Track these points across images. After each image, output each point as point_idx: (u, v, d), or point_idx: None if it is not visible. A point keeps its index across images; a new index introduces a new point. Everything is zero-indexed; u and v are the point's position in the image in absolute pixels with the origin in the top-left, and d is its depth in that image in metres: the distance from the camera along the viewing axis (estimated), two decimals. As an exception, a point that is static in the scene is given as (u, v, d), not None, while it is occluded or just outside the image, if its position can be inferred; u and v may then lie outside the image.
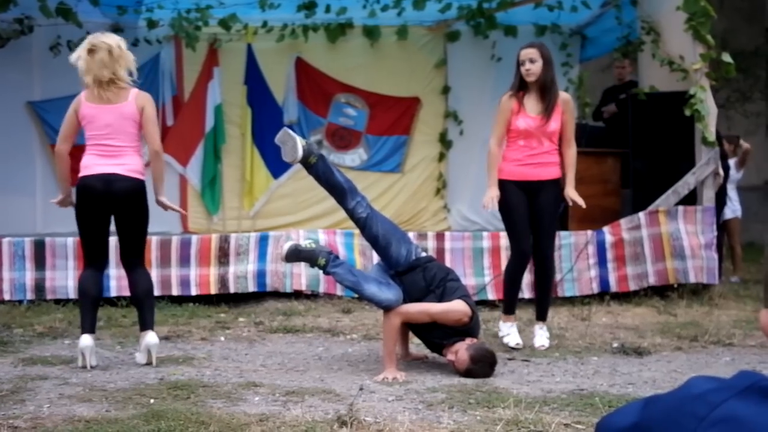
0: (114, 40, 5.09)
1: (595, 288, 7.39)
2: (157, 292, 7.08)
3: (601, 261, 7.41)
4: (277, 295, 7.35)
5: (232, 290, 7.29)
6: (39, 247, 7.21)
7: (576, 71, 10.41)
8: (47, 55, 9.24)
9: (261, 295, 7.35)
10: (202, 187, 9.95)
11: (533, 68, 5.43)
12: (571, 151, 5.60)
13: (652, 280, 7.45)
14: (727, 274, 9.11)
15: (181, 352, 5.43)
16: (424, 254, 5.18)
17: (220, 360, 5.22)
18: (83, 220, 5.06)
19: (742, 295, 7.83)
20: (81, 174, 5.03)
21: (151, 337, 4.99)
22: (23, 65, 9.45)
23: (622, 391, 4.40)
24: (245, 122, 10.03)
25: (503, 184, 5.61)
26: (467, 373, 4.73)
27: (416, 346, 5.49)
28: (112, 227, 5.15)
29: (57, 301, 7.08)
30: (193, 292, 7.27)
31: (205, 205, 9.97)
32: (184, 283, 7.27)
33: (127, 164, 5.01)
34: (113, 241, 5.45)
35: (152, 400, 4.11)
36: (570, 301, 7.29)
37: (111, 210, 5.04)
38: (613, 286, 7.41)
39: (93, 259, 5.12)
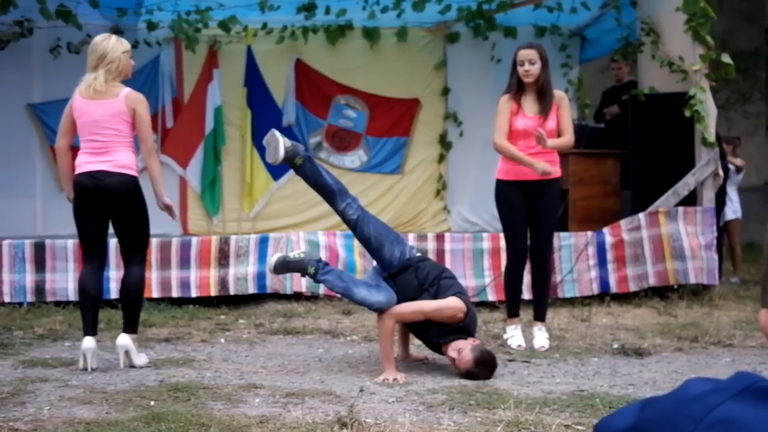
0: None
1: (596, 289, 7.39)
2: (157, 294, 7.12)
3: (601, 262, 7.41)
4: (277, 296, 7.35)
5: (232, 292, 7.29)
6: (39, 250, 7.21)
7: (576, 72, 10.41)
8: (47, 57, 9.24)
9: (261, 297, 7.35)
10: (202, 188, 9.95)
11: (532, 69, 5.44)
12: (568, 136, 5.57)
13: (652, 281, 7.45)
14: (727, 275, 9.12)
15: (181, 354, 5.43)
16: (418, 254, 5.18)
17: (220, 362, 5.22)
18: (78, 218, 5.06)
19: (742, 295, 7.83)
20: (75, 172, 5.04)
21: (119, 339, 4.95)
22: (23, 67, 9.45)
23: (623, 392, 4.40)
24: (245, 124, 10.03)
25: (502, 185, 5.62)
26: (467, 374, 4.72)
27: (417, 347, 5.49)
28: (111, 229, 5.15)
29: (57, 303, 7.08)
30: (193, 293, 7.26)
31: (205, 207, 9.97)
32: (184, 284, 7.27)
33: (116, 160, 4.97)
34: (113, 241, 5.43)
35: (152, 402, 4.11)
36: (570, 302, 7.29)
37: (104, 207, 5.00)
38: (614, 287, 7.41)
39: (91, 258, 5.10)
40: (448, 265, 6.99)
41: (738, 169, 9.58)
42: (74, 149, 5.23)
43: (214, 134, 9.93)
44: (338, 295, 7.16)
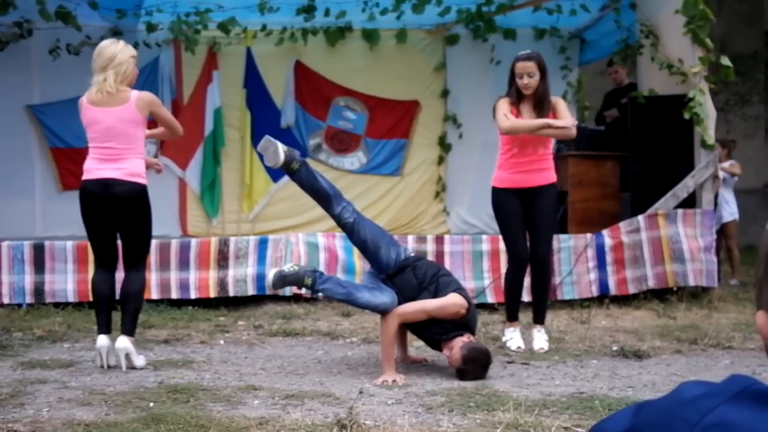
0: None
1: (595, 291, 7.39)
2: (156, 296, 7.12)
3: (601, 264, 7.41)
4: (277, 298, 7.34)
5: (231, 293, 7.28)
6: (38, 251, 7.20)
7: (575, 74, 10.41)
8: (46, 58, 9.24)
9: (260, 299, 7.35)
10: (201, 190, 9.95)
11: (531, 82, 5.42)
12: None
13: (651, 283, 7.45)
14: (725, 277, 9.12)
15: (180, 356, 5.42)
16: (412, 254, 5.20)
17: (219, 363, 5.22)
18: (88, 224, 5.11)
19: (741, 298, 7.83)
20: (83, 177, 5.06)
21: (119, 342, 4.98)
22: (22, 68, 9.45)
23: (622, 395, 4.40)
24: (244, 125, 10.03)
25: (498, 192, 5.63)
26: (459, 373, 4.74)
27: (415, 349, 5.50)
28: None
29: (56, 305, 7.07)
30: (193, 295, 7.26)
31: (204, 209, 9.97)
32: (184, 286, 7.27)
33: (127, 168, 5.01)
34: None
35: (152, 404, 4.11)
36: (569, 304, 7.29)
37: (112, 213, 5.05)
38: (613, 289, 7.41)
39: (102, 260, 5.18)
40: (447, 267, 6.99)
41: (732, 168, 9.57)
42: (77, 152, 5.25)
43: (214, 136, 9.93)
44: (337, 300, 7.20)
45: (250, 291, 7.30)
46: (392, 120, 10.27)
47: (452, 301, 4.84)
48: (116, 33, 9.53)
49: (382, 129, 10.25)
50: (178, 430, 3.59)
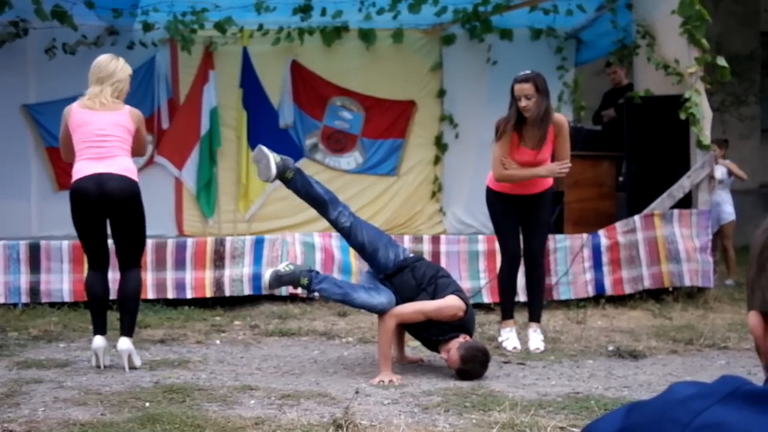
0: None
1: (591, 291, 7.40)
2: (152, 295, 7.11)
3: (597, 264, 7.42)
4: (273, 298, 7.34)
5: (227, 293, 7.28)
6: (34, 251, 7.19)
7: (571, 75, 10.42)
8: (42, 57, 9.23)
9: (256, 299, 7.34)
10: (197, 190, 9.94)
11: (529, 105, 5.38)
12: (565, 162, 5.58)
13: (647, 284, 7.46)
14: (722, 278, 9.14)
15: (176, 356, 5.42)
16: (411, 255, 5.20)
17: (215, 363, 5.21)
18: (80, 224, 5.07)
19: (736, 298, 7.84)
20: (73, 179, 5.04)
21: (121, 343, 4.98)
22: (18, 68, 9.44)
23: (618, 395, 4.41)
24: (241, 125, 10.02)
25: (492, 193, 5.65)
26: (459, 373, 4.75)
27: (412, 349, 5.50)
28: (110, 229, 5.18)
29: (52, 305, 7.06)
30: (189, 295, 7.25)
31: (200, 208, 9.96)
32: (180, 286, 7.26)
33: (118, 164, 5.02)
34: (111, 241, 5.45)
35: (147, 404, 4.11)
36: (565, 304, 7.30)
37: (105, 211, 5.02)
38: (609, 290, 7.42)
39: (95, 261, 5.17)
40: (443, 267, 6.99)
41: (730, 172, 9.60)
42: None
43: (210, 135, 9.92)
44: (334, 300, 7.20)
45: (247, 291, 7.29)
46: (388, 120, 10.27)
47: (450, 303, 4.85)
48: (112, 32, 9.54)
49: (379, 129, 10.25)
50: (174, 430, 3.59)
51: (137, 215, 5.11)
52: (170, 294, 7.23)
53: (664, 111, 7.77)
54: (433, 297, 4.89)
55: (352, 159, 10.27)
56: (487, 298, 7.26)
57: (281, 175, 4.97)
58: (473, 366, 4.75)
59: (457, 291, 4.96)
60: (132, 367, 4.97)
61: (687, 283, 7.47)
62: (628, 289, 7.44)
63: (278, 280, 4.92)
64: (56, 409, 4.00)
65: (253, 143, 9.91)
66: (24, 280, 7.14)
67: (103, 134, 5.00)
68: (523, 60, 8.27)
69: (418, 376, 4.90)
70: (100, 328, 5.03)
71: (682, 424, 0.95)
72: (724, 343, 5.85)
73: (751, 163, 13.97)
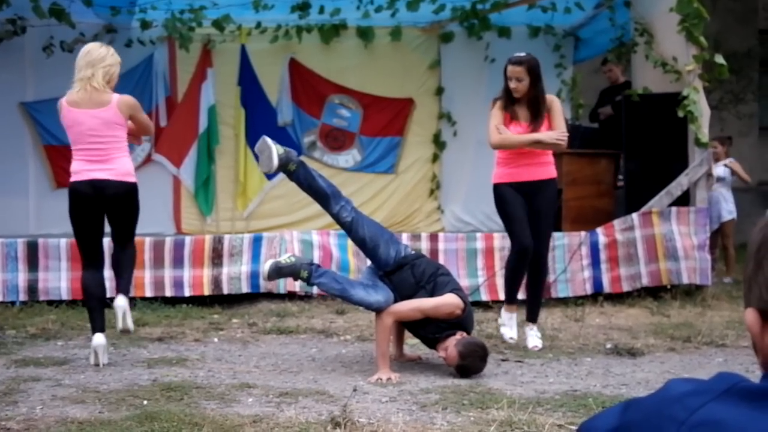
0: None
1: (589, 289, 7.40)
2: (150, 293, 7.12)
3: (595, 262, 7.42)
4: (271, 296, 7.34)
5: (225, 291, 7.28)
6: (32, 248, 7.19)
7: (569, 72, 10.42)
8: (40, 55, 9.21)
9: (254, 297, 7.34)
10: (195, 188, 9.93)
11: (519, 86, 5.43)
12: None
13: (645, 281, 7.47)
14: (720, 275, 9.15)
15: (174, 354, 5.42)
16: (413, 252, 5.19)
17: (213, 361, 5.21)
18: (77, 225, 5.11)
19: (735, 296, 7.85)
20: (71, 179, 5.05)
21: (119, 300, 4.99)
22: (16, 66, 9.42)
23: (616, 392, 4.41)
24: (239, 123, 10.01)
25: (498, 187, 5.61)
26: (459, 369, 4.74)
27: (410, 347, 5.50)
28: (106, 228, 5.19)
29: (50, 303, 7.06)
30: (187, 293, 7.25)
31: (198, 206, 9.96)
32: (178, 284, 7.26)
33: (116, 168, 5.03)
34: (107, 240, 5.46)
35: (145, 402, 4.11)
36: (563, 301, 7.30)
37: (103, 212, 5.10)
38: (607, 287, 7.42)
39: (91, 260, 5.19)
40: (442, 264, 6.99)
41: (732, 171, 9.62)
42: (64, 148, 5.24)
43: (208, 133, 9.91)
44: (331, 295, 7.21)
45: (245, 289, 7.29)
46: (387, 118, 10.26)
47: (447, 301, 4.84)
48: (110, 30, 9.53)
49: (377, 127, 10.24)
50: (171, 428, 3.59)
51: (134, 211, 5.20)
52: (168, 292, 7.22)
53: (662, 109, 7.77)
54: (432, 295, 4.89)
55: (350, 157, 10.26)
56: (485, 296, 7.26)
57: (284, 167, 4.97)
58: (472, 361, 4.75)
59: (456, 289, 4.95)
60: (125, 330, 4.99)
61: (685, 280, 7.48)
62: (626, 287, 7.45)
63: (278, 271, 4.92)
64: (54, 407, 4.00)
65: (251, 141, 9.92)
66: (22, 278, 7.13)
67: (97, 135, 5.00)
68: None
69: (416, 373, 4.90)
70: (99, 326, 5.04)
71: (678, 421, 0.95)
72: (721, 341, 5.86)
73: (749, 160, 13.97)
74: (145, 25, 9.34)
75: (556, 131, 5.47)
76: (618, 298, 7.42)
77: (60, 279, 7.12)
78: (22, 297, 7.11)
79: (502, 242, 7.24)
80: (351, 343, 5.92)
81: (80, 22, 8.91)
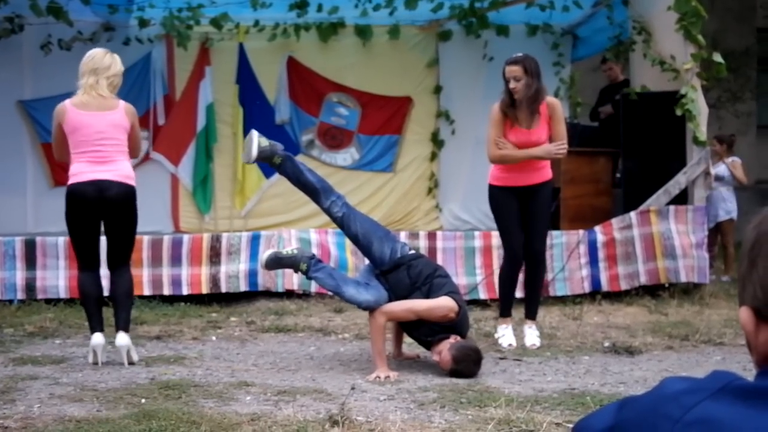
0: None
1: (587, 287, 7.40)
2: (148, 292, 7.11)
3: (593, 260, 7.43)
4: (269, 294, 7.34)
5: (223, 290, 7.28)
6: (30, 247, 7.18)
7: (567, 71, 10.42)
8: (38, 53, 9.21)
9: (253, 295, 7.34)
10: (193, 186, 9.93)
11: (518, 86, 5.44)
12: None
13: (643, 280, 7.47)
14: (718, 274, 9.15)
15: (172, 352, 5.42)
16: (411, 252, 5.17)
17: (211, 359, 5.21)
18: (75, 226, 5.09)
19: (733, 294, 7.84)
20: (71, 181, 5.04)
21: (120, 339, 4.98)
22: (14, 64, 9.41)
23: (614, 391, 4.41)
24: (237, 121, 10.01)
25: (493, 189, 5.65)
26: (453, 374, 4.73)
27: (408, 345, 5.50)
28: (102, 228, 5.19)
29: (48, 301, 7.05)
30: (185, 291, 7.25)
31: (196, 205, 9.95)
32: (176, 282, 7.26)
33: (119, 170, 5.04)
34: (103, 240, 5.46)
35: (143, 400, 4.11)
36: (561, 300, 7.30)
37: (102, 215, 5.08)
38: (605, 286, 7.43)
39: (87, 262, 5.18)
40: (439, 263, 6.99)
41: (733, 169, 9.63)
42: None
43: (206, 132, 9.91)
44: (330, 293, 7.21)
45: (243, 287, 7.29)
46: (385, 116, 10.26)
47: (441, 304, 4.81)
48: (108, 28, 9.52)
49: (375, 125, 10.24)
50: (169, 427, 3.59)
51: (132, 218, 5.17)
52: (166, 290, 7.22)
53: (660, 107, 7.77)
54: (427, 296, 4.86)
55: (348, 155, 10.26)
56: (483, 294, 7.26)
57: (268, 160, 5.00)
58: (466, 366, 4.73)
59: (452, 292, 4.90)
60: (130, 363, 4.98)
61: (683, 279, 7.48)
62: (624, 285, 7.45)
63: (277, 261, 4.95)
64: (52, 406, 4.00)
65: (249, 139, 9.92)
66: (20, 276, 7.13)
67: (103, 137, 5.01)
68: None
69: (414, 372, 4.90)
70: (98, 326, 5.04)
71: (673, 419, 0.95)
72: (719, 339, 5.86)
73: (747, 159, 13.95)
74: (143, 23, 9.33)
75: (554, 144, 5.50)
76: (616, 296, 7.42)
77: (58, 277, 7.12)
78: (20, 295, 7.11)
79: (500, 240, 7.22)
80: (349, 341, 5.92)
81: (78, 20, 8.91)
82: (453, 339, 4.81)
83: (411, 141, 10.33)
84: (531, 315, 5.77)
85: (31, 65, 9.48)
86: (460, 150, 10.09)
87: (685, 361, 5.25)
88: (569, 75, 10.41)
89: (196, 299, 7.23)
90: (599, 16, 9.58)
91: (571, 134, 6.57)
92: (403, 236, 7.42)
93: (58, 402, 4.08)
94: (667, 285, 7.51)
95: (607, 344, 5.66)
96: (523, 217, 5.61)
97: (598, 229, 7.49)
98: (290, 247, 5.16)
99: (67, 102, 5.07)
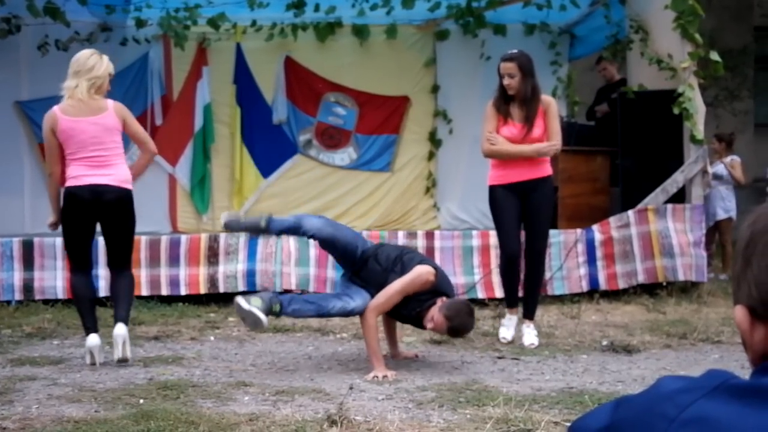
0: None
1: (585, 286, 7.41)
2: (146, 292, 7.11)
3: (591, 259, 7.43)
4: (267, 294, 7.32)
5: (221, 290, 7.28)
6: (27, 248, 7.18)
7: (565, 70, 10.41)
8: (35, 54, 9.19)
9: (251, 295, 7.32)
10: (191, 186, 9.92)
11: (512, 83, 5.49)
12: (554, 141, 5.59)
13: (641, 278, 7.47)
14: (716, 272, 9.16)
15: (170, 352, 5.42)
16: (373, 244, 5.26)
17: (209, 360, 5.21)
18: (70, 229, 5.10)
19: (730, 292, 7.80)
20: (69, 183, 5.04)
21: (118, 329, 4.96)
22: (11, 65, 9.39)
23: (612, 389, 4.41)
24: (234, 122, 10.00)
25: (493, 189, 5.65)
26: (450, 332, 4.78)
27: (406, 345, 5.50)
28: (98, 229, 5.18)
29: (45, 302, 7.05)
30: (183, 291, 7.25)
31: (194, 205, 9.94)
32: (174, 282, 7.26)
33: (116, 174, 5.05)
34: (100, 241, 5.46)
35: (142, 400, 4.11)
36: (559, 299, 7.31)
37: (98, 218, 5.09)
38: (603, 284, 7.43)
39: (81, 264, 5.19)
40: (438, 262, 6.99)
41: (732, 168, 9.64)
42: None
43: (204, 132, 9.90)
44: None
45: (241, 287, 7.28)
46: (382, 116, 10.26)
47: (417, 273, 4.83)
48: (105, 29, 9.51)
49: (373, 125, 10.24)
50: (168, 427, 3.59)
51: (129, 222, 5.18)
52: (164, 291, 7.22)
53: (657, 106, 7.78)
54: (402, 275, 4.88)
55: (346, 155, 10.26)
56: (481, 294, 7.26)
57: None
58: (460, 320, 4.74)
59: (423, 261, 4.99)
60: (124, 359, 4.94)
61: (681, 277, 7.49)
62: (622, 284, 7.46)
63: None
64: (50, 406, 4.00)
65: (246, 139, 9.93)
66: (17, 277, 7.13)
67: (99, 141, 5.01)
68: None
69: (413, 371, 4.90)
70: (92, 327, 5.03)
71: (668, 418, 0.95)
72: (717, 338, 5.87)
73: (744, 157, 13.96)
74: (140, 23, 9.32)
75: (545, 144, 5.53)
76: (614, 295, 7.43)
77: (56, 278, 7.12)
78: (18, 296, 7.10)
79: (498, 240, 7.24)
80: (347, 341, 5.92)
81: (75, 20, 8.89)
82: (440, 301, 4.83)
83: (408, 140, 10.33)
84: (529, 314, 5.78)
85: (28, 66, 9.46)
86: (458, 149, 10.09)
87: (683, 360, 5.25)
88: (566, 74, 10.40)
89: (194, 299, 7.23)
90: (596, 15, 9.58)
91: (568, 133, 6.59)
92: (401, 236, 7.43)
93: (56, 402, 4.07)
94: (665, 283, 7.52)
95: (605, 343, 5.67)
96: (523, 215, 5.62)
97: (595, 227, 7.49)
98: (255, 297, 4.89)
99: (56, 109, 5.04)
